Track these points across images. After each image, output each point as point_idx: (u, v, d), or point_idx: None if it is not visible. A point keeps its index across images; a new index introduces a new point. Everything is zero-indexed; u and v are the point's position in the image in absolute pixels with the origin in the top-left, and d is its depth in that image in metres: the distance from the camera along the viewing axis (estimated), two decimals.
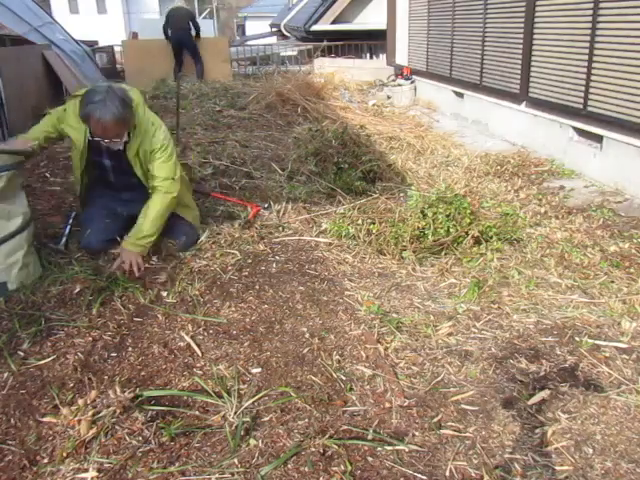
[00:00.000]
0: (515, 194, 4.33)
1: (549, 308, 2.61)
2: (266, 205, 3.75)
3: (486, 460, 1.72)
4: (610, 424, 1.87)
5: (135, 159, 2.89)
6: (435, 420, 1.88)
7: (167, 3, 32.64)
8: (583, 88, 4.67)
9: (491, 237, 3.22)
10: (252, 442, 1.76)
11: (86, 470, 1.65)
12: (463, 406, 1.96)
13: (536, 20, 5.40)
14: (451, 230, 3.12)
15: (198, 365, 2.15)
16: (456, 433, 1.83)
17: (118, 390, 1.93)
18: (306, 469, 1.66)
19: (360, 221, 3.38)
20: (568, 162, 5.01)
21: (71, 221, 3.25)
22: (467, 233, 3.14)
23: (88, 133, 2.82)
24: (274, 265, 2.99)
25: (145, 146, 2.86)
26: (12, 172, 2.54)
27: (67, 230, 3.16)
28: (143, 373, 2.09)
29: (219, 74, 10.01)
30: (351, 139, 5.02)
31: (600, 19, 4.43)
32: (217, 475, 1.64)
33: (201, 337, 2.33)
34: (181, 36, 10.07)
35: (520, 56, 5.69)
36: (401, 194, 4.05)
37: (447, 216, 3.18)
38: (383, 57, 11.19)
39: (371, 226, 3.29)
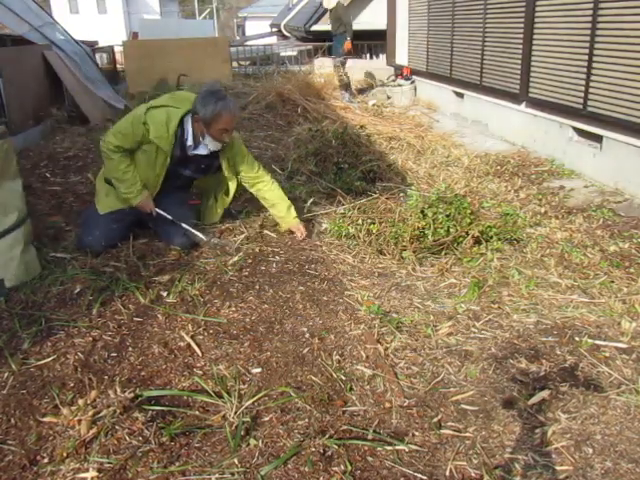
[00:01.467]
0: (515, 194, 4.33)
1: (549, 308, 2.61)
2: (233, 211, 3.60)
3: (486, 460, 1.72)
4: (610, 424, 1.87)
5: (229, 162, 3.18)
6: (435, 420, 1.88)
7: (167, 3, 32.69)
8: (583, 88, 4.67)
9: (491, 237, 3.23)
10: (252, 442, 1.76)
11: (86, 470, 1.65)
12: (463, 406, 1.96)
13: (536, 20, 5.40)
14: (451, 230, 3.12)
15: (198, 365, 2.15)
16: (456, 433, 1.83)
17: (118, 390, 1.93)
18: (306, 469, 1.66)
19: (360, 221, 3.38)
20: (568, 162, 5.01)
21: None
22: (467, 233, 3.14)
23: (174, 141, 2.97)
24: (274, 265, 2.99)
25: (235, 151, 3.20)
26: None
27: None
28: (143, 373, 2.10)
29: (219, 74, 10.01)
30: (351, 139, 5.02)
31: (600, 19, 4.43)
32: (217, 475, 1.64)
33: (201, 337, 2.33)
34: None
35: (520, 56, 5.69)
36: (401, 194, 4.05)
37: (447, 216, 3.18)
38: (383, 57, 11.20)
39: (371, 226, 3.29)
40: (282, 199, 3.30)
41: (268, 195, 3.30)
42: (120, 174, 2.99)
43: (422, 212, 3.24)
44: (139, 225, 3.26)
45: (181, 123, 2.97)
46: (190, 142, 3.02)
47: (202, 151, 3.04)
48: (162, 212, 3.12)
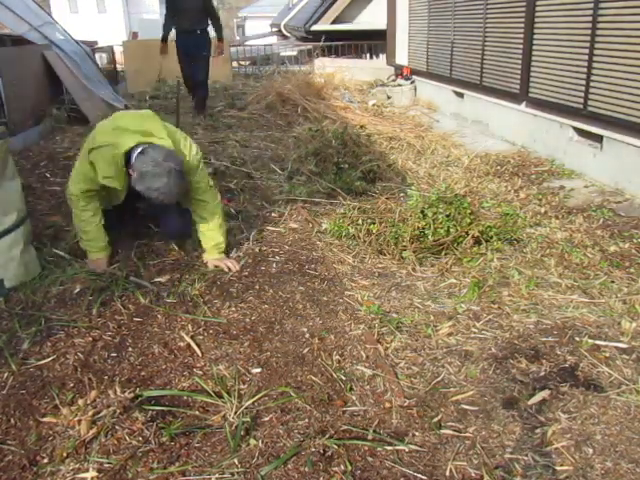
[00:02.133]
0: (515, 194, 4.33)
1: (549, 308, 2.61)
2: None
3: (486, 460, 1.72)
4: (610, 424, 1.87)
5: None
6: (435, 420, 1.88)
7: None
8: (583, 88, 4.66)
9: (491, 237, 3.22)
10: (252, 442, 1.76)
11: (86, 470, 1.65)
12: (463, 406, 1.96)
13: (536, 20, 5.40)
14: (451, 230, 3.12)
15: (198, 365, 2.15)
16: (456, 433, 1.83)
17: (118, 390, 1.93)
18: (306, 469, 1.66)
19: (360, 221, 3.38)
20: (568, 162, 5.01)
21: None
22: (467, 233, 3.14)
23: (125, 178, 2.66)
24: (274, 265, 2.99)
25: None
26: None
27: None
28: (143, 373, 2.09)
29: (219, 74, 10.01)
30: (351, 139, 5.01)
31: (600, 19, 4.42)
32: (217, 475, 1.64)
33: (201, 337, 2.33)
34: (194, 40, 6.69)
35: (520, 56, 5.69)
36: (401, 194, 4.05)
37: (447, 216, 3.18)
38: (383, 57, 11.19)
39: (371, 226, 3.29)
40: (214, 227, 2.91)
41: (198, 221, 2.94)
42: (83, 225, 2.81)
43: (422, 212, 3.24)
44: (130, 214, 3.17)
45: (128, 160, 2.61)
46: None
47: None
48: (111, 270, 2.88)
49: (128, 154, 2.60)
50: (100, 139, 2.64)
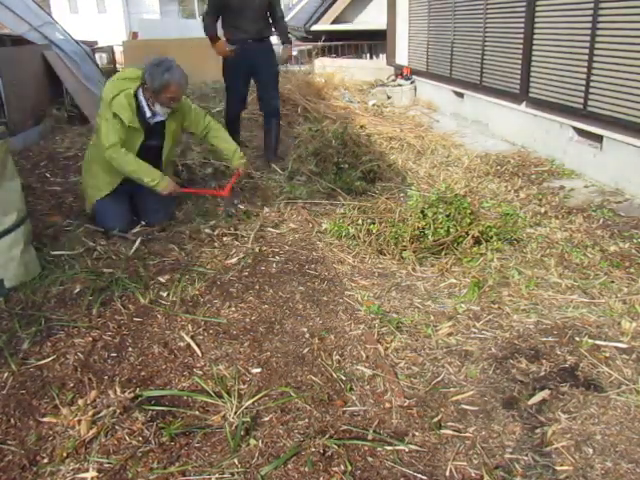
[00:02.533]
0: (515, 194, 4.33)
1: (549, 308, 2.61)
2: (228, 211, 3.61)
3: (486, 460, 1.72)
4: (610, 424, 1.87)
5: (171, 126, 3.37)
6: (435, 420, 1.88)
7: (167, 3, 32.69)
8: (583, 88, 4.66)
9: (491, 237, 3.22)
10: (252, 442, 1.76)
11: (86, 470, 1.65)
12: (463, 406, 1.96)
13: (536, 20, 5.40)
14: (451, 230, 3.12)
15: (198, 365, 2.15)
16: (456, 433, 1.83)
17: (118, 390, 1.93)
18: (306, 469, 1.66)
19: (360, 221, 3.38)
20: (568, 162, 5.01)
21: None
22: (467, 233, 3.14)
23: (135, 116, 3.18)
24: (274, 265, 2.99)
25: (176, 116, 3.39)
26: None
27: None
28: (143, 373, 2.09)
29: (219, 74, 10.00)
30: (351, 139, 5.01)
31: (600, 19, 4.42)
32: (217, 475, 1.64)
33: (201, 337, 2.33)
34: (261, 51, 4.78)
35: (520, 56, 5.69)
36: (401, 194, 4.05)
37: (447, 216, 3.17)
38: (383, 57, 11.19)
39: (371, 226, 3.29)
40: (227, 143, 3.57)
41: (215, 142, 3.59)
42: (135, 167, 3.18)
43: (422, 212, 3.23)
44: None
45: (136, 99, 3.20)
46: (148, 113, 3.25)
47: (160, 118, 3.29)
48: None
49: (136, 96, 3.19)
50: (111, 92, 3.15)
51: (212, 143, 3.64)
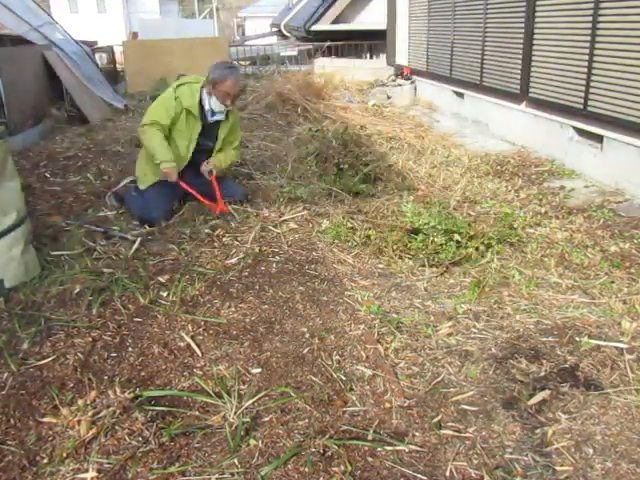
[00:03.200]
0: (515, 194, 4.33)
1: (549, 308, 2.61)
2: (231, 217, 3.55)
3: (486, 460, 1.72)
4: (610, 424, 1.87)
5: (231, 128, 3.70)
6: (435, 420, 1.88)
7: (167, 3, 32.67)
8: (583, 88, 4.66)
9: (491, 244, 3.18)
10: (252, 442, 1.75)
11: (86, 470, 1.64)
12: (463, 406, 1.96)
13: (536, 20, 5.40)
14: (455, 256, 3.06)
15: (198, 365, 2.15)
16: (456, 433, 1.83)
17: (118, 390, 1.93)
18: (306, 469, 1.66)
19: (360, 222, 3.38)
20: (568, 162, 5.01)
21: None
22: (467, 248, 3.09)
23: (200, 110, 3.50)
24: (274, 265, 2.99)
25: (236, 117, 3.80)
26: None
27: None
28: (143, 373, 2.09)
29: None
30: (351, 139, 5.01)
31: (600, 19, 4.42)
32: (217, 475, 1.63)
33: (201, 337, 2.33)
34: None
35: (520, 56, 5.69)
36: (399, 197, 4.04)
37: (450, 240, 3.12)
38: (383, 57, 11.19)
39: (369, 231, 3.28)
40: (225, 158, 3.74)
41: (223, 153, 3.74)
42: (156, 143, 3.40)
43: (417, 232, 3.18)
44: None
45: (200, 95, 3.51)
46: (207, 107, 3.52)
47: (219, 117, 3.57)
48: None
49: (201, 92, 3.50)
50: (181, 81, 3.56)
51: (220, 153, 3.74)
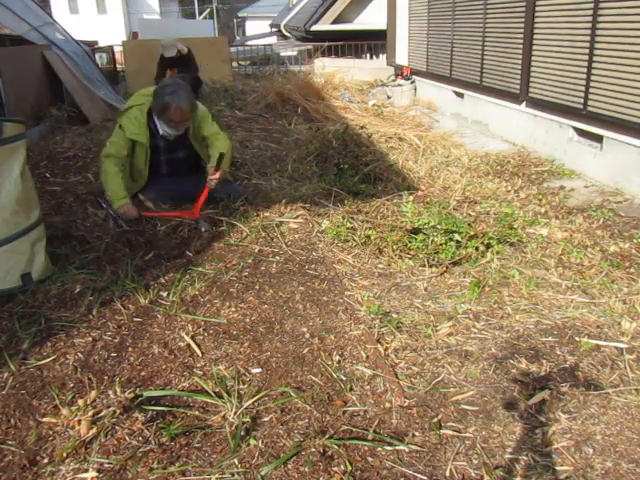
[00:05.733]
0: (515, 194, 4.33)
1: (549, 308, 2.61)
2: (203, 228, 3.37)
3: (486, 460, 1.72)
4: (610, 424, 1.87)
5: (193, 135, 3.54)
6: (435, 420, 1.88)
7: (167, 3, 32.66)
8: (583, 88, 4.67)
9: (491, 245, 3.19)
10: (252, 442, 1.75)
11: (86, 470, 1.64)
12: (463, 406, 1.96)
13: (536, 20, 5.40)
14: (455, 255, 3.06)
15: (198, 365, 2.15)
16: (456, 433, 1.83)
17: (118, 390, 1.93)
18: (306, 469, 1.66)
19: (360, 222, 3.38)
20: (568, 162, 5.01)
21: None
22: (466, 248, 3.09)
23: (148, 133, 3.40)
24: (274, 265, 2.99)
25: (196, 121, 3.51)
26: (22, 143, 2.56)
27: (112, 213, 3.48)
28: (143, 373, 2.09)
29: (219, 74, 10.00)
30: (351, 139, 5.02)
31: (600, 19, 4.42)
32: (217, 475, 1.63)
33: (201, 337, 2.33)
34: None
35: (520, 56, 5.69)
36: (399, 196, 4.04)
37: (445, 232, 3.12)
38: (383, 57, 11.20)
39: (369, 231, 3.28)
40: (217, 150, 3.46)
41: (211, 151, 3.52)
42: (110, 179, 3.34)
43: (417, 232, 3.18)
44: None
45: (150, 116, 3.40)
46: (161, 131, 3.44)
47: (171, 134, 3.45)
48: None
49: (150, 114, 3.36)
50: (128, 104, 3.45)
51: (209, 153, 3.54)
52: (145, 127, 3.39)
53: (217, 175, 3.38)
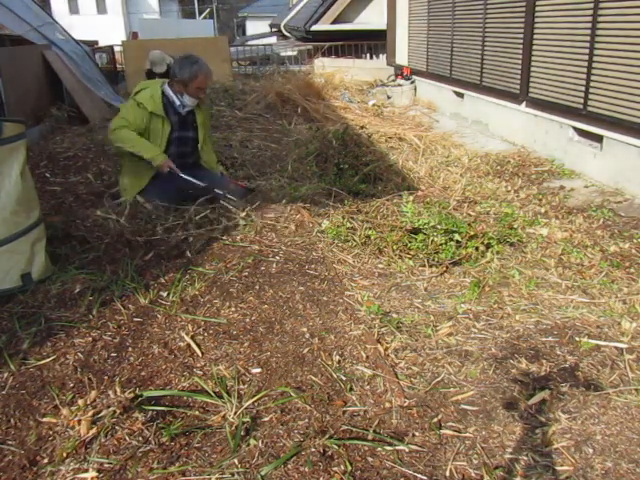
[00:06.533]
0: (515, 194, 4.33)
1: (549, 308, 2.61)
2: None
3: (486, 460, 1.72)
4: (610, 424, 1.87)
5: (200, 117, 3.76)
6: (435, 420, 1.88)
7: (167, 3, 32.67)
8: (583, 88, 4.67)
9: (491, 245, 3.19)
10: (252, 442, 1.75)
11: (86, 470, 1.64)
12: (463, 406, 1.96)
13: (536, 20, 5.40)
14: (455, 255, 3.06)
15: (198, 365, 2.15)
16: (456, 433, 1.83)
17: (118, 390, 1.93)
18: (306, 469, 1.66)
19: (360, 222, 3.38)
20: (568, 162, 5.01)
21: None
22: (467, 247, 3.09)
23: (163, 110, 3.55)
24: (274, 265, 2.99)
25: (206, 111, 3.89)
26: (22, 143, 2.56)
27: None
28: (143, 373, 2.09)
29: (219, 74, 9.99)
30: (351, 139, 5.02)
31: (600, 19, 4.42)
32: (217, 475, 1.63)
33: (201, 337, 2.33)
34: None
35: (520, 56, 5.69)
36: (399, 196, 4.04)
37: (450, 237, 3.12)
38: (383, 57, 11.20)
39: (369, 231, 3.28)
40: (212, 157, 3.93)
41: (204, 156, 3.86)
42: (136, 142, 3.48)
43: (417, 232, 3.18)
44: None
45: (163, 94, 3.58)
46: (178, 102, 3.59)
47: (189, 108, 3.64)
48: (187, 177, 3.59)
49: (162, 92, 3.57)
50: (137, 88, 3.63)
51: (203, 158, 3.90)
52: (161, 103, 3.55)
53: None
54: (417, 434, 1.82)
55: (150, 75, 7.58)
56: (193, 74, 3.50)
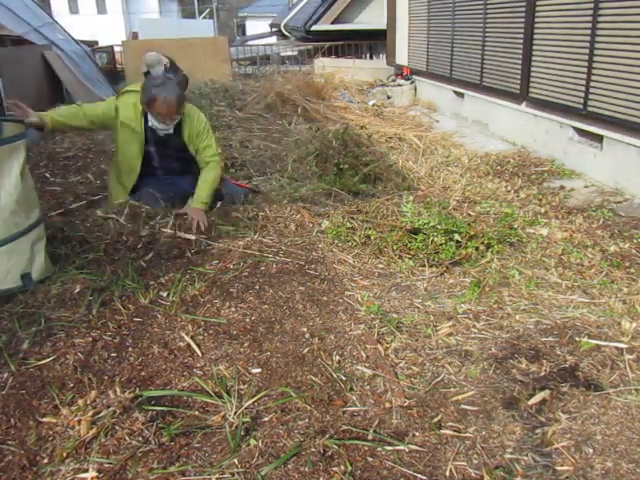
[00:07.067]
0: (515, 194, 4.33)
1: (549, 308, 2.61)
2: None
3: (486, 460, 1.72)
4: (610, 424, 1.87)
5: (188, 140, 3.38)
6: (435, 420, 1.88)
7: (167, 3, 32.69)
8: (583, 88, 4.67)
9: (492, 245, 3.19)
10: (252, 442, 1.75)
11: (86, 470, 1.64)
12: (463, 406, 1.96)
13: (536, 20, 5.40)
14: (455, 255, 3.06)
15: (198, 365, 2.15)
16: (456, 433, 1.83)
17: (118, 390, 1.93)
18: (306, 469, 1.66)
19: (360, 222, 3.38)
20: (568, 162, 5.01)
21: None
22: (467, 247, 3.09)
23: (143, 122, 3.27)
24: (274, 265, 2.99)
25: (193, 128, 3.36)
26: (23, 142, 2.56)
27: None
28: (143, 373, 2.09)
29: (219, 74, 10.01)
30: (351, 139, 5.02)
31: (600, 19, 4.43)
32: (217, 475, 1.63)
33: (201, 337, 2.33)
34: None
35: (520, 56, 5.70)
36: (399, 196, 4.04)
37: (445, 232, 3.12)
38: (383, 57, 11.20)
39: (369, 231, 3.29)
40: (204, 184, 3.38)
41: (204, 175, 3.43)
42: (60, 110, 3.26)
43: (417, 232, 3.18)
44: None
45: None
46: (150, 123, 3.29)
47: (168, 131, 3.30)
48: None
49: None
50: (131, 87, 3.36)
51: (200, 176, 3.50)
52: (141, 115, 3.28)
53: (196, 216, 3.21)
54: (417, 434, 1.82)
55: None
56: (150, 97, 3.13)
